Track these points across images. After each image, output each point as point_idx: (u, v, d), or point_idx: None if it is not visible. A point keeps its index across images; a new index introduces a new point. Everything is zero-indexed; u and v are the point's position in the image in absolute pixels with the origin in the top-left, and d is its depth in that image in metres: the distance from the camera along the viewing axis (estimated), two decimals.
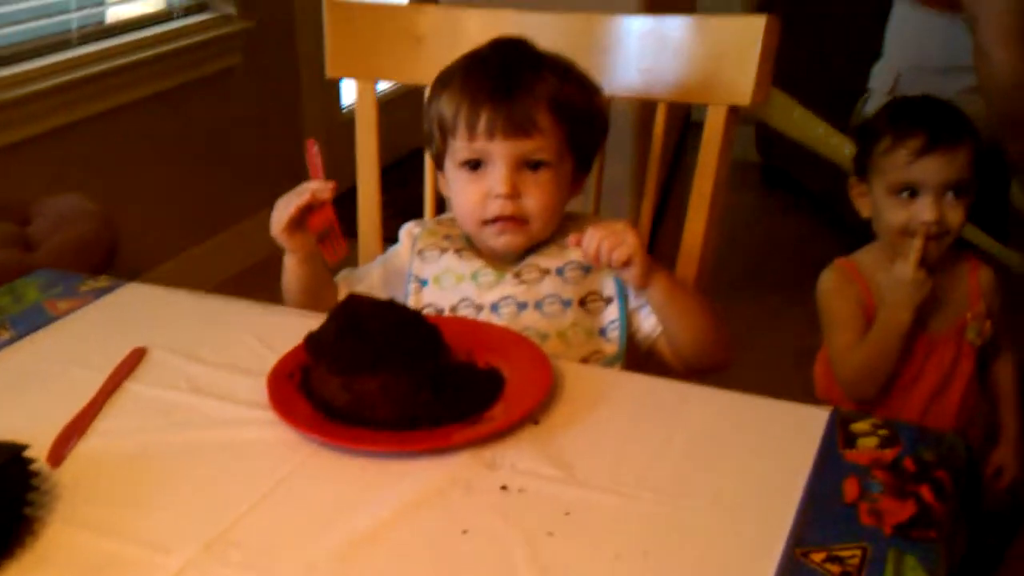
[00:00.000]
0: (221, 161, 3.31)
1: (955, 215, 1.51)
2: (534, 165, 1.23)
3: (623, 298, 1.25)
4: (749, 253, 3.46)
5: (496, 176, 1.22)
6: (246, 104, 3.39)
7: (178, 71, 3.08)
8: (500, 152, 1.21)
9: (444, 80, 1.27)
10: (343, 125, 3.82)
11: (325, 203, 1.20)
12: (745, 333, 2.92)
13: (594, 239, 1.16)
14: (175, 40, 3.06)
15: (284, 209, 1.22)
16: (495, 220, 1.24)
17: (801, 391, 2.48)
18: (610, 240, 1.15)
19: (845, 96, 2.23)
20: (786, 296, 3.14)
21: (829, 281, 1.61)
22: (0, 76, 2.58)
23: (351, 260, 1.38)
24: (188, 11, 3.19)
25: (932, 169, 1.50)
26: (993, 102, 1.78)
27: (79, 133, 2.80)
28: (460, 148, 1.24)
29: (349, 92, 3.80)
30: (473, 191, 1.24)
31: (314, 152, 1.24)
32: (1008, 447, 1.62)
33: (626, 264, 1.17)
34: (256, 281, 3.32)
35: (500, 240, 1.25)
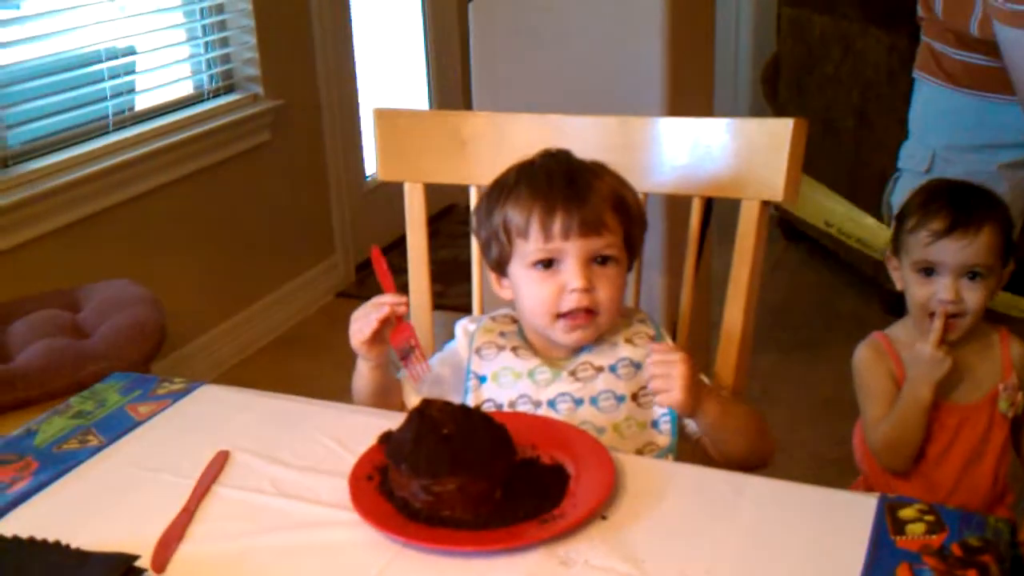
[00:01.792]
0: (254, 233, 3.41)
1: (973, 297, 1.55)
2: (602, 260, 1.31)
3: None
4: (774, 303, 3.54)
5: (571, 272, 1.29)
6: (276, 178, 3.49)
7: (211, 151, 3.18)
8: (574, 250, 1.29)
9: (503, 191, 1.34)
10: (367, 193, 3.93)
11: (401, 317, 1.28)
12: (767, 384, 2.99)
13: (647, 372, 1.25)
14: (207, 121, 3.17)
15: (363, 322, 1.28)
16: (567, 314, 1.30)
17: (827, 442, 2.55)
18: (659, 381, 1.24)
19: (864, 177, 2.28)
20: (810, 348, 3.22)
21: (864, 355, 1.66)
22: (43, 165, 2.69)
23: None
24: (217, 93, 3.30)
25: (950, 251, 1.54)
26: None
27: (118, 216, 2.89)
28: (533, 250, 1.30)
29: (371, 162, 3.89)
30: (546, 288, 1.30)
31: (382, 263, 1.32)
32: None
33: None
34: (292, 348, 3.43)
35: (571, 336, 1.32)
